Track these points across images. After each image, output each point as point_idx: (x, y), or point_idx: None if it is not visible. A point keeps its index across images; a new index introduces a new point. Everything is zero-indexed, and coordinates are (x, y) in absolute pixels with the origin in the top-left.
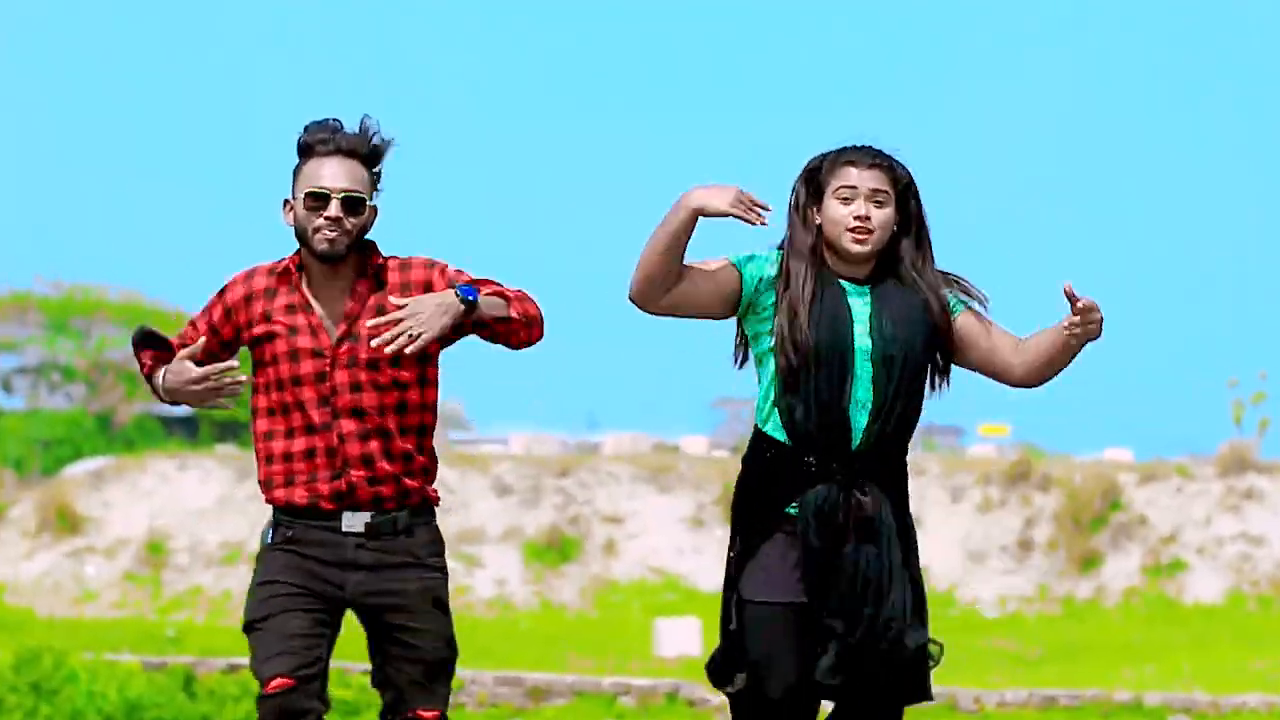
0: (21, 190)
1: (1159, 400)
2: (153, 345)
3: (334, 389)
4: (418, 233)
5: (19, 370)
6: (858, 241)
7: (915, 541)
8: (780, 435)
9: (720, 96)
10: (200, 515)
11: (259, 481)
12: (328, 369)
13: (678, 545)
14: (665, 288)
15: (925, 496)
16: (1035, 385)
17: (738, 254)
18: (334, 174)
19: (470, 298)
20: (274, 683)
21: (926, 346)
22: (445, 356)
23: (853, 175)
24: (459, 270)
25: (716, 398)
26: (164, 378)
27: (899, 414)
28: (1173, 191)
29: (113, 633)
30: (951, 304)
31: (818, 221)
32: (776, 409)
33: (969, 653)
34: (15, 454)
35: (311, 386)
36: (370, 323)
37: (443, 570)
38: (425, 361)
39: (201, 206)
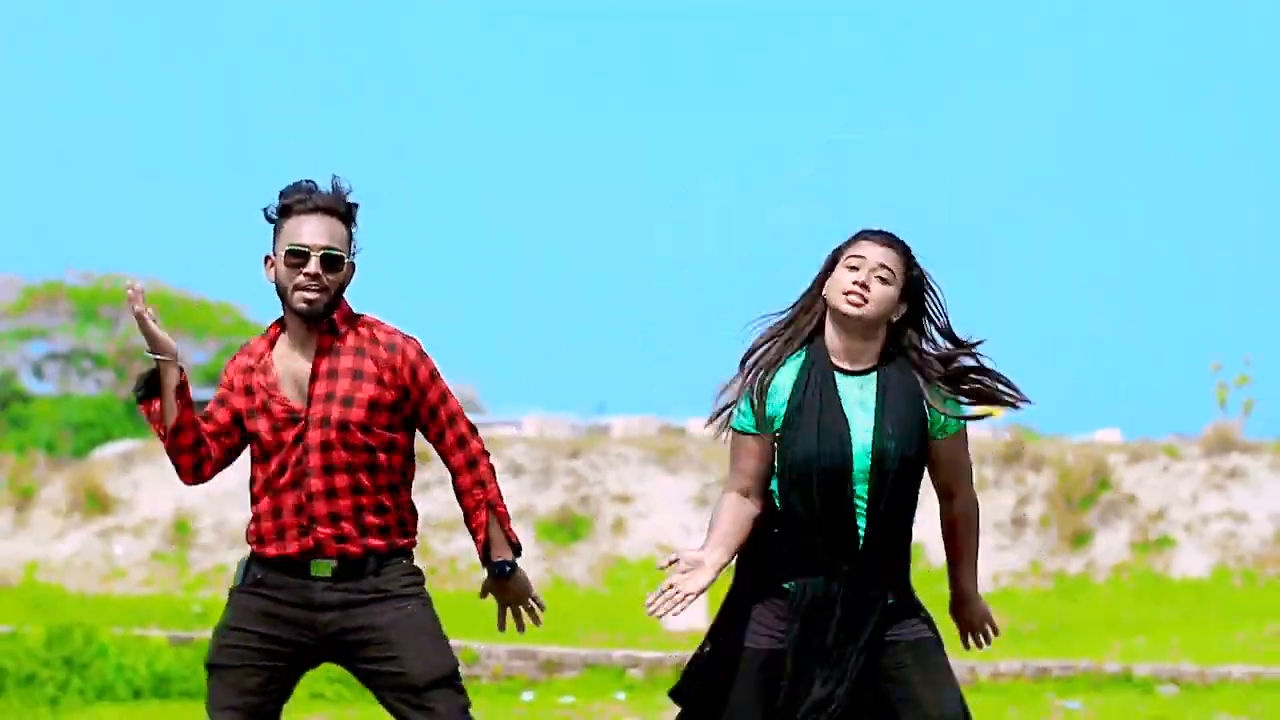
0: (53, 183)
1: (1146, 383)
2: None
3: (306, 449)
4: (429, 230)
5: (50, 357)
6: (851, 304)
7: (920, 616)
8: (791, 518)
9: (720, 94)
10: (225, 497)
11: (247, 532)
12: (302, 431)
13: (684, 523)
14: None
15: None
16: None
17: (747, 411)
18: (313, 231)
19: (507, 570)
20: None
21: (921, 446)
22: (462, 341)
23: (864, 247)
24: (444, 393)
25: (721, 381)
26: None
27: (896, 511)
28: (1163, 183)
29: (141, 609)
30: (946, 422)
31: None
32: (787, 499)
33: None
34: (47, 437)
35: (289, 448)
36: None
37: (419, 598)
38: (394, 430)
39: (226, 198)
